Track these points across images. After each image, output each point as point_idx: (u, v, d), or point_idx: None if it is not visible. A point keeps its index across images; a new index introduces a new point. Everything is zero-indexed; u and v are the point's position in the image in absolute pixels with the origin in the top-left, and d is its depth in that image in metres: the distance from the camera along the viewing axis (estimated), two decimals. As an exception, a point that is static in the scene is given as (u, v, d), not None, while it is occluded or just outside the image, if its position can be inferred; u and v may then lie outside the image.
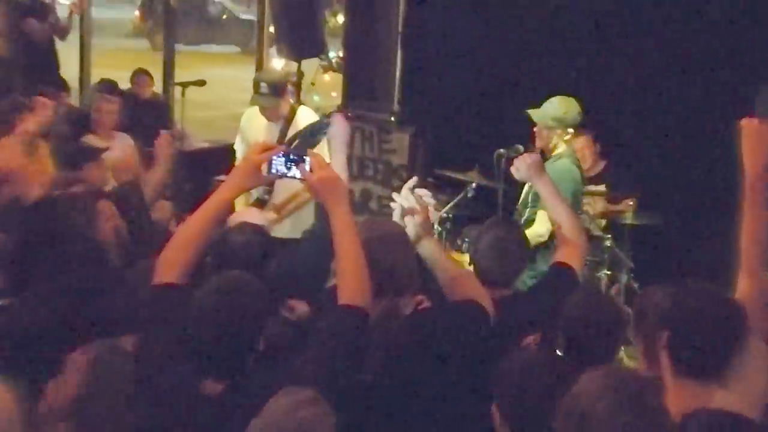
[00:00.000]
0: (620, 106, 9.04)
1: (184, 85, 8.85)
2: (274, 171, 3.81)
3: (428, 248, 4.26)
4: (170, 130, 7.74)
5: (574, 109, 6.83)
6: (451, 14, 9.97)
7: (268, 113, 7.35)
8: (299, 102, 9.84)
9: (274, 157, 3.80)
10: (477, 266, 4.69)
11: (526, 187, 6.74)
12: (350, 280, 3.60)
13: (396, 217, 4.32)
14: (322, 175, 3.74)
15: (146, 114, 9.63)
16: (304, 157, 3.76)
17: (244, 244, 4.44)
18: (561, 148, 6.86)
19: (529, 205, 6.73)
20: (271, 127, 7.41)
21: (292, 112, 7.43)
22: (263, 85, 7.30)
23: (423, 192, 4.35)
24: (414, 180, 4.43)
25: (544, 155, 6.68)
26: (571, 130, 6.83)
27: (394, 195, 4.37)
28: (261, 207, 7.25)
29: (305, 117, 7.32)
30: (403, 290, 4.03)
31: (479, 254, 4.69)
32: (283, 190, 7.26)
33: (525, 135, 6.86)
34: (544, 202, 5.05)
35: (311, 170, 3.76)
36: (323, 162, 3.80)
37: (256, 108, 7.46)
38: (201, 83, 8.92)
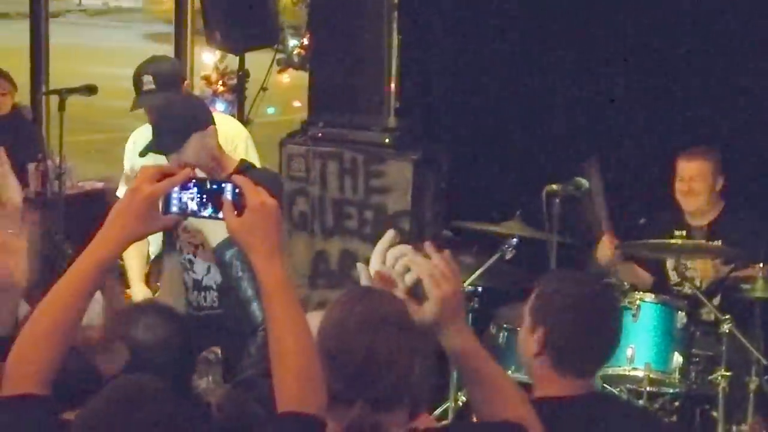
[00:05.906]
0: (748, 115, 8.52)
1: (64, 92, 8.34)
2: (175, 209, 3.29)
3: (455, 339, 3.61)
4: (39, 163, 7.84)
5: None
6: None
7: None
8: (242, 117, 9.46)
9: (177, 188, 3.29)
10: (549, 344, 4.25)
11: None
12: (292, 373, 3.15)
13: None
14: (253, 214, 3.21)
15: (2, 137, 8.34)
16: (225, 184, 3.28)
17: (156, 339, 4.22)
18: None
19: None
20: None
21: None
22: (147, 78, 6.76)
23: (400, 251, 3.75)
24: (391, 234, 3.86)
25: None
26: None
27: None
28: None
29: (223, 131, 6.51)
30: (392, 400, 3.38)
31: (554, 326, 4.21)
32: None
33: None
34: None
35: (237, 204, 3.21)
36: (255, 190, 3.27)
37: (149, 127, 6.86)
38: (90, 90, 8.31)
